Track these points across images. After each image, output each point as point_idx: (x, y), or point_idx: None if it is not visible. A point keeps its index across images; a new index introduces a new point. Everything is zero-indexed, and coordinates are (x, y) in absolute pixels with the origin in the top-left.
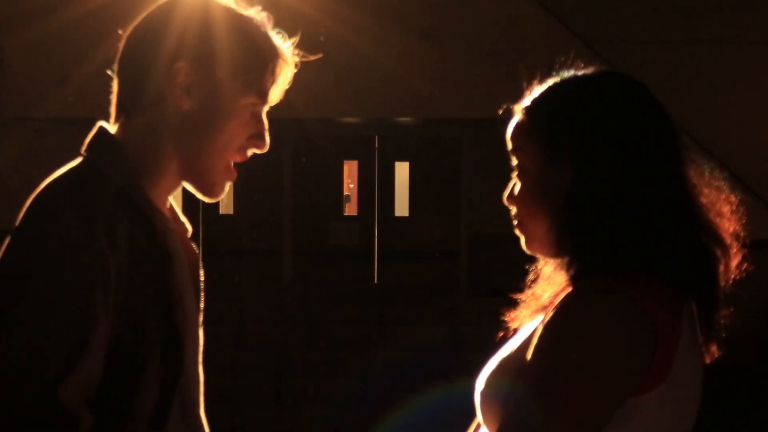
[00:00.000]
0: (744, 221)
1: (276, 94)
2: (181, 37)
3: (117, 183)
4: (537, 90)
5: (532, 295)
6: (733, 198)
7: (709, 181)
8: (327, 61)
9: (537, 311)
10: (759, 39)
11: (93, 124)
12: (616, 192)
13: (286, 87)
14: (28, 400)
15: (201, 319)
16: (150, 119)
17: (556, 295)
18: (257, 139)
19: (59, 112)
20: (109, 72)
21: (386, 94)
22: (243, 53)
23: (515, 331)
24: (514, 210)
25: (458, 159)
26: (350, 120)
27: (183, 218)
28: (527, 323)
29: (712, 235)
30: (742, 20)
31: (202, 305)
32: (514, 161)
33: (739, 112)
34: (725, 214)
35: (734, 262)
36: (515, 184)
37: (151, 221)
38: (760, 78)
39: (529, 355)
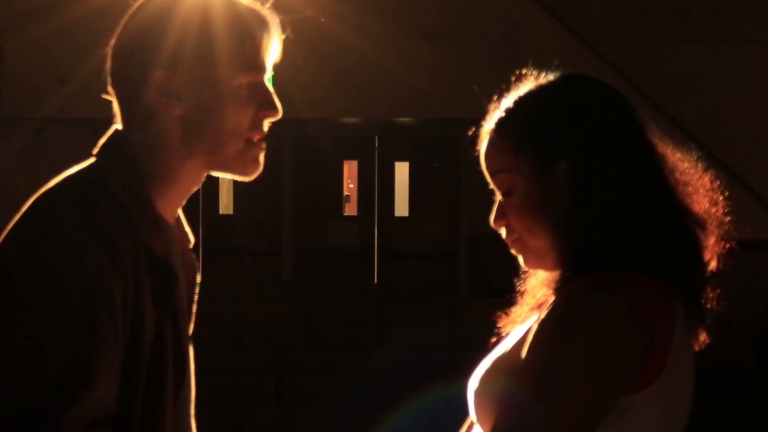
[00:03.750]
0: (723, 194)
1: (270, 58)
2: (151, 46)
3: (120, 191)
4: (503, 107)
5: (524, 299)
6: (706, 176)
7: (682, 158)
8: (327, 61)
9: (531, 310)
10: (759, 39)
11: (93, 124)
12: (613, 192)
13: (279, 46)
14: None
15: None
16: (150, 132)
17: (552, 293)
18: (267, 108)
19: (59, 112)
20: (105, 96)
21: (386, 94)
22: (215, 39)
23: (507, 333)
24: (504, 231)
25: (458, 159)
26: (350, 120)
27: (187, 228)
28: (519, 325)
29: (692, 217)
30: (742, 20)
31: (192, 320)
32: (496, 183)
33: (739, 112)
34: (700, 190)
35: (713, 239)
36: (502, 206)
37: (149, 233)
38: (760, 78)
39: (523, 353)
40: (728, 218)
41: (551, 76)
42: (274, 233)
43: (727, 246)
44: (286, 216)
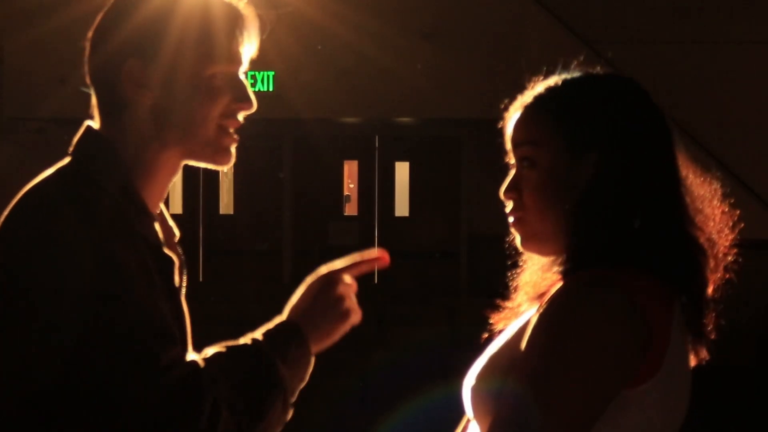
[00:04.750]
0: (735, 226)
1: (247, 51)
2: (123, 35)
3: (107, 184)
4: (545, 85)
5: (518, 295)
6: (718, 207)
7: (696, 189)
8: (327, 62)
9: (530, 301)
10: (759, 39)
11: None
12: (630, 193)
13: (254, 40)
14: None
15: None
16: (127, 122)
17: (551, 285)
18: (241, 100)
19: (60, 111)
20: (83, 89)
21: (386, 94)
22: (187, 29)
23: (500, 331)
24: (510, 204)
25: (458, 159)
26: (350, 120)
27: (171, 222)
28: (514, 322)
29: (702, 238)
30: (742, 20)
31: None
32: (520, 154)
33: (739, 112)
34: (715, 217)
35: (713, 265)
36: (518, 178)
37: (141, 222)
38: (760, 78)
39: (521, 348)
40: (734, 251)
41: (596, 71)
42: (274, 233)
43: (727, 276)
44: (286, 216)
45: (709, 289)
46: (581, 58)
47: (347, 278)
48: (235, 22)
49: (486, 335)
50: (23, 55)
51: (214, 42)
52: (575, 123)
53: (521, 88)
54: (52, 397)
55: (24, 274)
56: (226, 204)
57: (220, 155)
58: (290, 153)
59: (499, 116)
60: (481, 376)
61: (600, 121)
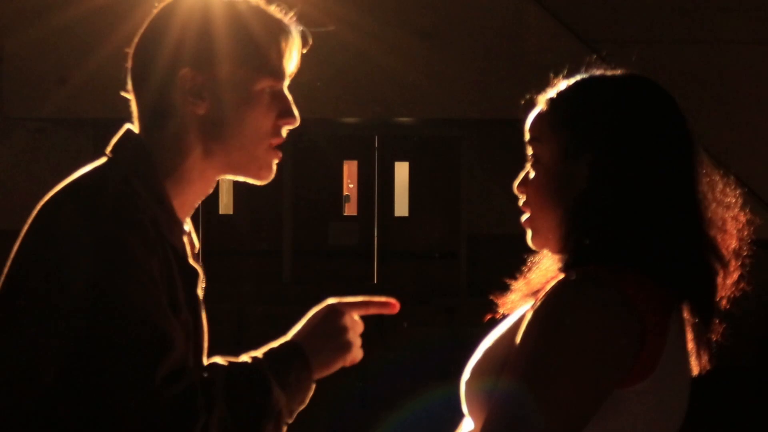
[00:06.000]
0: (749, 240)
1: (290, 67)
2: (178, 44)
3: (140, 187)
4: (563, 84)
5: (526, 282)
6: (742, 216)
7: (720, 198)
8: (327, 61)
9: (526, 296)
10: (759, 39)
11: (93, 124)
12: (627, 194)
13: (299, 57)
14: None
15: None
16: (172, 130)
17: (547, 282)
18: (285, 116)
19: (59, 112)
20: (124, 94)
21: (386, 94)
22: (241, 41)
23: (503, 316)
24: (523, 198)
25: (458, 159)
26: (350, 120)
27: (194, 235)
28: (509, 316)
29: (712, 249)
30: (742, 20)
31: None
32: (530, 151)
33: (739, 112)
34: (730, 231)
35: (731, 280)
36: (528, 173)
37: (170, 230)
38: (760, 78)
39: (516, 341)
40: (748, 262)
41: (620, 72)
42: (274, 233)
43: (741, 287)
44: (286, 216)
45: (723, 301)
46: (594, 57)
47: (354, 315)
48: (283, 37)
49: (490, 316)
50: (23, 55)
51: (265, 57)
52: (574, 122)
53: (521, 89)
54: (49, 400)
55: (27, 274)
56: (225, 204)
57: (264, 170)
58: (290, 153)
59: (499, 116)
60: (476, 371)
61: (599, 121)
